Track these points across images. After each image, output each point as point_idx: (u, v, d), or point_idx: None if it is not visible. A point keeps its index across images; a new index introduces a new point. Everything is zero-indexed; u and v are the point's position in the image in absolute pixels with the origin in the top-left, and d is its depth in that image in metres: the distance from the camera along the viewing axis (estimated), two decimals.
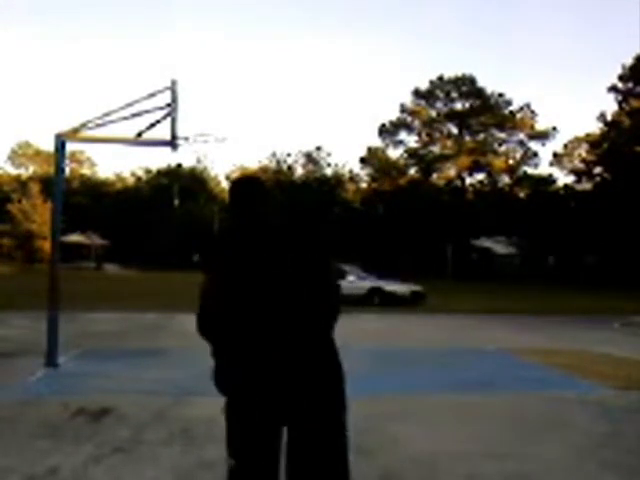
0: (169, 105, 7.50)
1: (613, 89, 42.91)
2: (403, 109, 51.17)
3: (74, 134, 7.49)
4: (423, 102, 50.95)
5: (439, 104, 50.74)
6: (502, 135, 50.38)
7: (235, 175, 55.53)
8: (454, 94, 50.14)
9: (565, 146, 52.53)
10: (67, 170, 56.37)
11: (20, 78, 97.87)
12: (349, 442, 2.28)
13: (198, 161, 62.58)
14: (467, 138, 50.73)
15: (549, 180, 49.48)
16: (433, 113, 50.99)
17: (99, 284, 24.62)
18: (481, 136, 50.59)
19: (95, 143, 8.38)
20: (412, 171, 52.09)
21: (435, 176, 51.31)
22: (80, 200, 52.42)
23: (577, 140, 51.22)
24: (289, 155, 56.10)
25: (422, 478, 3.89)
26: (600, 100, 72.95)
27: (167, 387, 6.35)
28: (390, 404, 5.80)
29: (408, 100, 51.38)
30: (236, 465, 2.17)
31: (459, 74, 49.69)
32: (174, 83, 7.56)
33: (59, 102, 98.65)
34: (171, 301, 17.40)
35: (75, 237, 47.02)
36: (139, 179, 64.66)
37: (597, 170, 44.31)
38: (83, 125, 7.41)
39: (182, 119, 7.60)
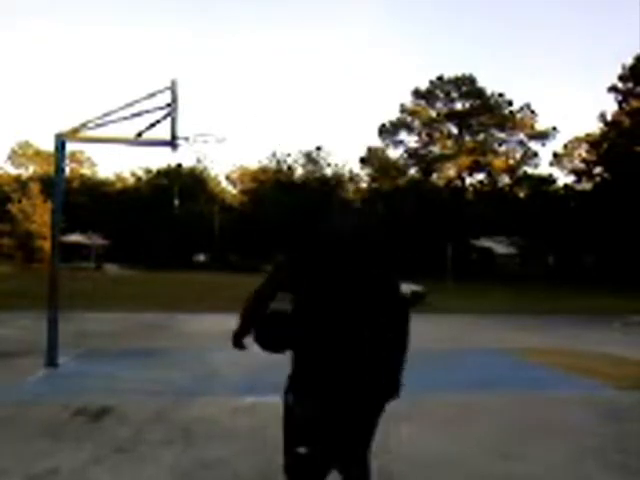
0: (169, 105, 7.48)
1: (613, 89, 42.89)
2: (403, 109, 51.16)
3: (74, 134, 7.48)
4: (423, 102, 50.93)
5: (439, 104, 50.73)
6: (502, 135, 50.35)
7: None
8: (454, 94, 50.11)
9: (565, 146, 52.55)
10: (67, 170, 56.37)
11: (20, 78, 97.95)
12: None
13: (198, 161, 62.46)
14: (467, 138, 50.70)
15: (549, 180, 49.45)
16: (433, 113, 50.97)
17: (99, 284, 24.61)
18: (481, 136, 50.56)
19: (95, 143, 8.37)
20: (412, 171, 52.09)
21: (435, 176, 51.29)
22: (80, 200, 52.40)
23: (577, 140, 51.20)
24: (289, 155, 56.12)
25: (422, 478, 3.88)
26: (600, 100, 72.99)
27: (167, 387, 6.35)
28: (390, 404, 5.79)
29: (408, 100, 51.44)
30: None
31: (459, 74, 49.71)
32: (174, 83, 7.54)
33: (59, 102, 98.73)
34: (171, 301, 17.42)
35: (75, 237, 47.01)
36: (139, 179, 64.57)
37: (597, 170, 44.29)
38: (83, 125, 7.41)
39: (182, 119, 7.59)
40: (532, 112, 49.69)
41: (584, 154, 48.26)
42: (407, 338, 2.54)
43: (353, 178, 56.64)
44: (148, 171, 63.56)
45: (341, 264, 2.40)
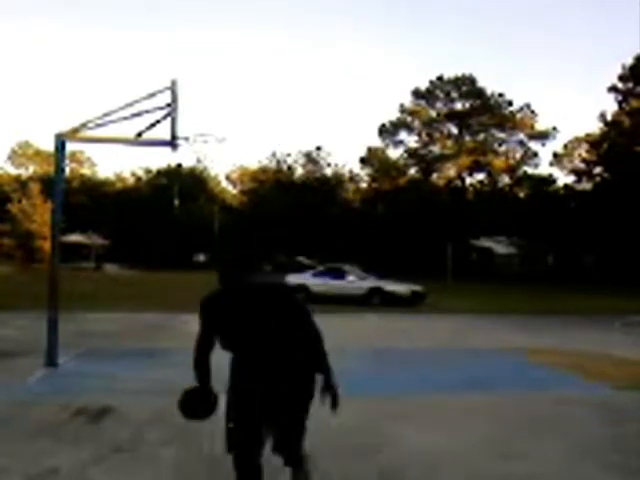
0: (169, 105, 7.48)
1: (613, 89, 42.85)
2: (403, 109, 51.12)
3: (74, 134, 7.48)
4: (423, 102, 50.89)
5: (439, 104, 50.68)
6: (502, 135, 50.30)
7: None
8: (454, 94, 50.08)
9: (565, 146, 52.55)
10: (67, 170, 56.33)
11: (20, 78, 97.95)
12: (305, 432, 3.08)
13: (198, 161, 62.37)
14: (467, 138, 50.66)
15: (549, 180, 49.42)
16: (433, 113, 50.93)
17: (99, 284, 24.61)
18: (481, 136, 50.52)
19: (95, 143, 8.37)
20: (412, 171, 52.04)
21: (435, 176, 51.26)
22: (80, 200, 52.38)
23: (577, 140, 51.20)
24: (289, 155, 56.09)
25: (423, 478, 3.88)
26: (600, 100, 72.92)
27: (167, 387, 6.34)
28: (390, 404, 5.80)
29: (408, 100, 51.39)
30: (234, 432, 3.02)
31: (459, 74, 49.67)
32: (174, 83, 7.54)
33: (59, 102, 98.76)
34: (171, 301, 17.41)
35: (75, 237, 46.97)
36: (139, 179, 64.59)
37: (597, 170, 44.25)
38: (83, 125, 7.40)
39: (182, 119, 7.58)
40: (532, 112, 49.68)
41: (584, 154, 48.23)
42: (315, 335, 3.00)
43: (353, 178, 56.64)
44: (148, 171, 63.60)
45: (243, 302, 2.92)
